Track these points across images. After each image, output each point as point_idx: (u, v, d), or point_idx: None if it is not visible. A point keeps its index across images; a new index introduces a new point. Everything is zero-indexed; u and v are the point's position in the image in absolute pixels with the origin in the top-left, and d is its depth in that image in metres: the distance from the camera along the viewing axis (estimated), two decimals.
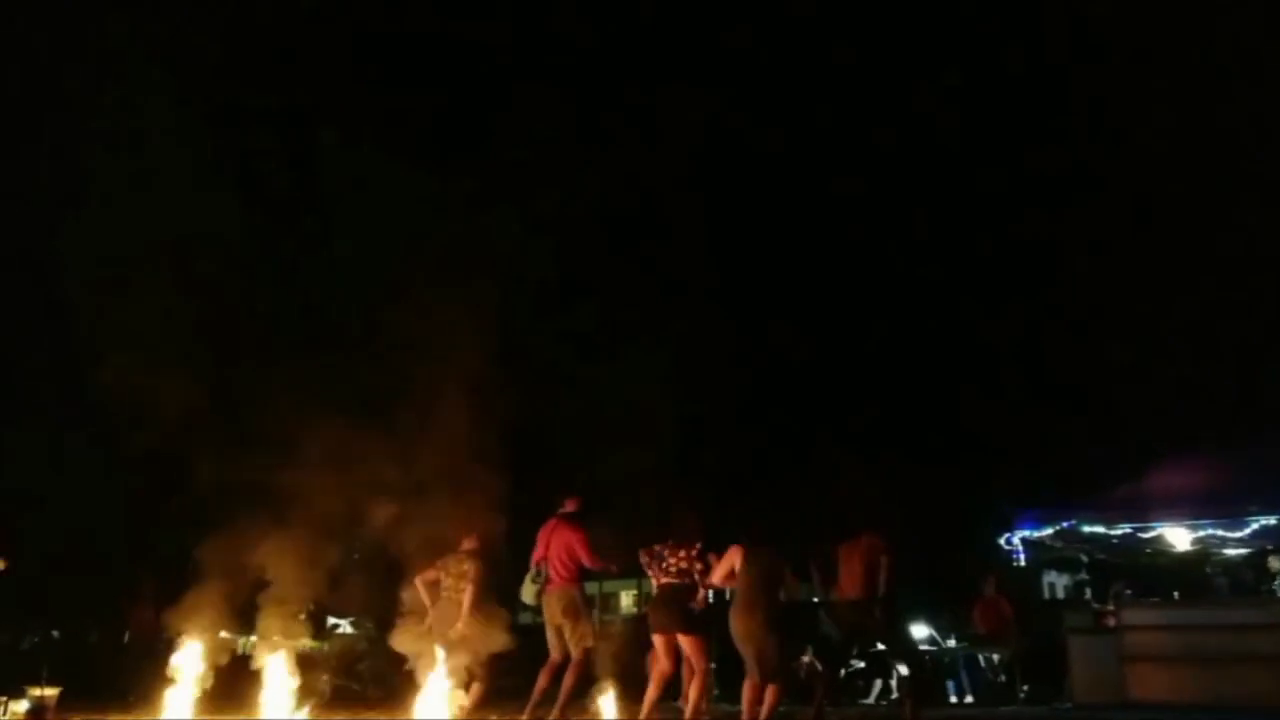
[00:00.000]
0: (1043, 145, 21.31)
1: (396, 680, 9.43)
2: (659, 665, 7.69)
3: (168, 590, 10.04)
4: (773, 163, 20.75)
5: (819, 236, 20.65)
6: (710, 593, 7.68)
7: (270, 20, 13.67)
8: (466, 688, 8.40)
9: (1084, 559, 13.17)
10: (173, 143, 11.32)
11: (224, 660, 9.22)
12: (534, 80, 16.68)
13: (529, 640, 8.84)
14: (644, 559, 7.71)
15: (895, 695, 11.15)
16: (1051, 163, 20.74)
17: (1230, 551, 11.74)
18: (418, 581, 8.57)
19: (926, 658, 11.46)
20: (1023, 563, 11.25)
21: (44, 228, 12.17)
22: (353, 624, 16.28)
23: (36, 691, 8.65)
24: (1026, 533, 11.00)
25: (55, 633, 16.34)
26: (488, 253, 10.83)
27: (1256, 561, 11.41)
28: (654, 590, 7.81)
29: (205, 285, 10.50)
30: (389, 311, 10.18)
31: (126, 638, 13.59)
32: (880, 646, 10.30)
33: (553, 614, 7.94)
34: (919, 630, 11.94)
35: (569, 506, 8.24)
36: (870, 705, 11.35)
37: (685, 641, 7.47)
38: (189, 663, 8.84)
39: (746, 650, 7.24)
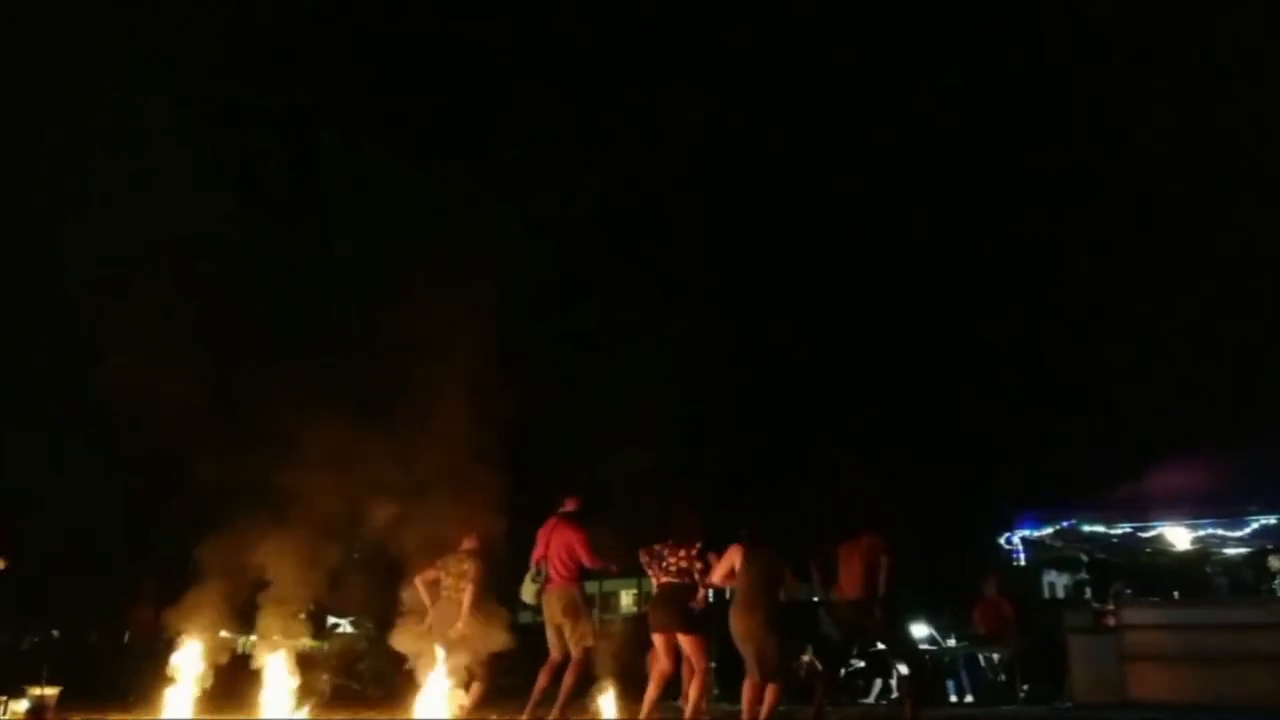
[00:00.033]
0: (1043, 145, 21.32)
1: (397, 680, 9.43)
2: (659, 664, 7.68)
3: (168, 590, 10.04)
4: (773, 163, 20.77)
5: (819, 236, 20.67)
6: (710, 592, 7.68)
7: (270, 20, 13.69)
8: (467, 687, 8.40)
9: (1084, 558, 13.17)
10: (173, 143, 11.33)
11: (224, 660, 9.22)
12: (534, 80, 16.71)
13: (529, 640, 8.83)
14: (644, 558, 7.71)
15: (895, 695, 11.15)
16: (1051, 163, 20.75)
17: (1230, 551, 11.74)
18: (418, 581, 8.57)
19: (926, 657, 11.46)
20: (1023, 562, 11.26)
21: (44, 228, 12.18)
22: (353, 624, 16.28)
23: (36, 691, 8.65)
24: (1026, 532, 11.00)
25: (55, 632, 16.33)
26: (488, 253, 10.85)
27: (1256, 561, 11.41)
28: (654, 590, 7.80)
29: (205, 285, 10.51)
30: (389, 311, 10.19)
31: (126, 638, 13.59)
32: (880, 646, 10.30)
33: (553, 613, 7.94)
34: (919, 630, 11.94)
35: (569, 506, 8.23)
36: (870, 705, 11.35)
37: (685, 641, 7.47)
38: (189, 662, 8.84)
39: (747, 650, 7.24)
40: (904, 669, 9.85)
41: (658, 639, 7.64)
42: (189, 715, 8.72)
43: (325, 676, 11.19)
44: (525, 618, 10.74)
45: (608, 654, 8.39)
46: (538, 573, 8.00)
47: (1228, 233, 18.15)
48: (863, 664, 11.65)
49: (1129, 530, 10.81)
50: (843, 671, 10.84)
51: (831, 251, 20.81)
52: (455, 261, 10.39)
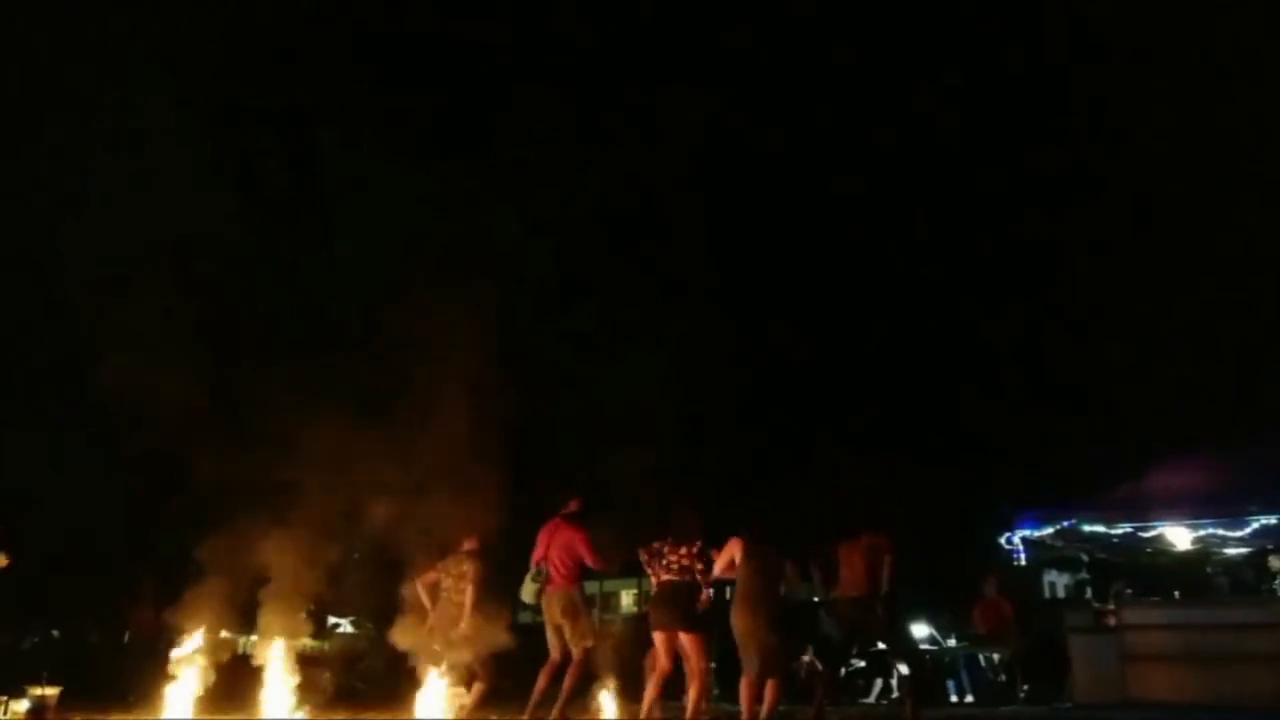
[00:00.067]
0: (1043, 145, 21.32)
1: (398, 679, 9.43)
2: (658, 663, 7.67)
3: (168, 590, 10.05)
4: (773, 163, 20.77)
5: (819, 237, 20.67)
6: (712, 592, 7.69)
7: (270, 20, 13.69)
8: (468, 686, 8.40)
9: (1084, 558, 13.16)
10: (173, 143, 11.33)
11: (224, 660, 9.22)
12: (534, 80, 16.71)
13: (529, 640, 8.83)
14: (644, 557, 7.69)
15: (895, 695, 11.15)
16: (1051, 163, 20.75)
17: (1231, 551, 11.74)
18: (418, 583, 8.58)
19: (927, 657, 11.46)
20: (1023, 562, 11.24)
21: (44, 228, 12.18)
22: (353, 624, 16.31)
23: (37, 691, 8.65)
24: (1027, 532, 10.99)
25: (56, 633, 16.34)
26: (488, 253, 10.84)
27: (1257, 561, 11.40)
28: (653, 588, 7.79)
29: (205, 285, 10.51)
30: (389, 311, 10.19)
31: (127, 638, 13.59)
32: (881, 646, 10.29)
33: (552, 614, 7.93)
34: (919, 630, 11.94)
35: (572, 507, 8.22)
36: (870, 705, 11.35)
37: (686, 639, 7.44)
38: (189, 662, 8.84)
39: (749, 646, 7.21)
40: (904, 669, 9.84)
41: (658, 637, 7.61)
42: (189, 715, 8.72)
43: (327, 675, 11.19)
44: (525, 618, 10.75)
45: (608, 654, 8.39)
46: (538, 573, 7.99)
47: (1228, 233, 18.16)
48: (863, 664, 11.65)
49: (1129, 530, 10.80)
50: (843, 671, 10.83)
51: (831, 251, 20.82)
52: (455, 261, 10.39)
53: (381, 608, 10.10)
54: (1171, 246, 18.08)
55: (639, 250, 16.67)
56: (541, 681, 7.89)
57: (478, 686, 8.37)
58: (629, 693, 8.37)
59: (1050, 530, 11.04)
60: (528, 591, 8.08)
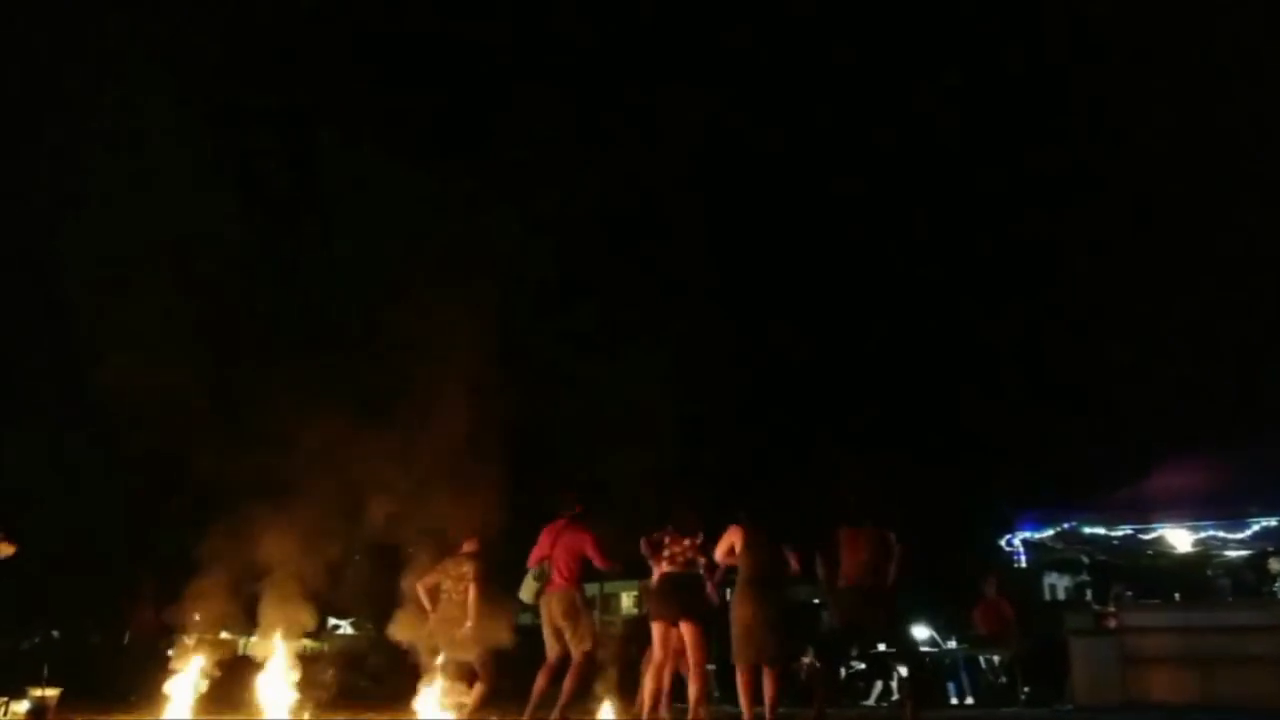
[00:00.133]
0: (1043, 145, 21.32)
1: (400, 678, 9.42)
2: (654, 655, 7.65)
3: (168, 590, 10.04)
4: (773, 163, 20.75)
5: (819, 236, 20.67)
6: (715, 590, 7.69)
7: (270, 20, 13.68)
8: (470, 684, 8.40)
9: (1085, 560, 13.18)
10: (173, 143, 11.32)
11: (225, 660, 9.21)
12: (534, 80, 16.69)
13: (529, 640, 8.82)
14: (645, 548, 7.65)
15: (895, 697, 11.14)
16: (1051, 163, 20.75)
17: (1231, 553, 11.74)
18: (419, 586, 8.57)
19: (927, 659, 11.45)
20: (1023, 564, 11.24)
21: (44, 228, 12.17)
22: (353, 625, 16.31)
23: (37, 692, 8.64)
24: (1027, 534, 10.99)
25: (56, 633, 16.34)
26: (488, 253, 10.83)
27: (1257, 563, 11.41)
28: (653, 580, 7.76)
29: (205, 285, 10.50)
30: (389, 311, 10.18)
31: (127, 638, 13.59)
32: (881, 647, 10.28)
33: (553, 615, 7.90)
34: (920, 631, 11.93)
35: (578, 509, 8.18)
36: (871, 707, 11.34)
37: (685, 629, 7.38)
38: (190, 662, 8.84)
39: (750, 634, 7.16)
40: (904, 670, 9.83)
41: (656, 628, 7.56)
42: (189, 716, 8.71)
43: (331, 671, 11.19)
44: (525, 619, 10.74)
45: (608, 656, 8.38)
46: (540, 572, 7.96)
47: (1228, 233, 18.17)
48: (863, 666, 11.64)
49: (1130, 532, 10.81)
50: (843, 673, 10.82)
51: (831, 251, 20.82)
52: (455, 261, 10.38)
53: (382, 608, 10.10)
54: (1171, 246, 18.10)
55: (639, 250, 16.67)
56: (540, 683, 7.88)
57: (478, 687, 8.36)
58: (629, 695, 8.35)
59: (1051, 532, 11.04)
60: (527, 590, 8.04)
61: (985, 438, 19.20)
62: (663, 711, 7.78)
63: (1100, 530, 10.86)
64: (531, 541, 8.18)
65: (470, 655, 8.33)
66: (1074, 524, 10.86)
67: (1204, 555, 11.90)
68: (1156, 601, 11.37)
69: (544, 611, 7.97)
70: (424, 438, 9.03)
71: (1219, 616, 10.10)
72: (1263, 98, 17.33)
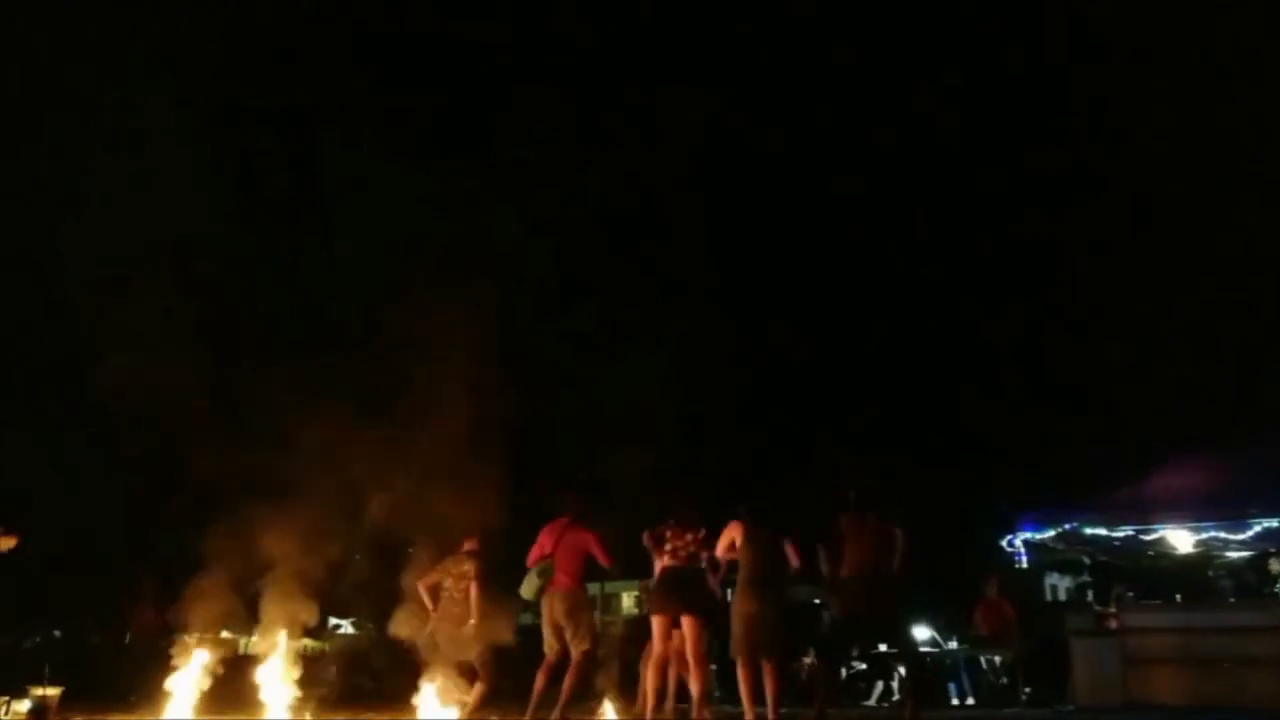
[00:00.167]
0: (1043, 145, 21.35)
1: (402, 677, 9.42)
2: (654, 648, 7.64)
3: (168, 590, 10.04)
4: (773, 163, 20.77)
5: (819, 236, 20.69)
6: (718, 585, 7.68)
7: (270, 20, 13.68)
8: (471, 682, 8.39)
9: (1086, 561, 13.16)
10: (173, 143, 11.31)
11: (226, 659, 9.21)
12: (534, 80, 16.71)
13: (529, 640, 8.82)
14: (647, 540, 7.65)
15: (896, 697, 11.14)
16: (1051, 163, 20.78)
17: (1232, 554, 11.73)
18: (420, 585, 8.56)
19: (928, 659, 11.44)
20: (1024, 564, 11.22)
21: (44, 228, 12.17)
22: (354, 625, 16.30)
23: (38, 691, 8.65)
24: (1028, 534, 10.97)
25: (56, 633, 16.33)
26: (488, 253, 10.83)
27: (1258, 564, 11.40)
28: (655, 574, 7.73)
29: (205, 285, 10.50)
30: (389, 311, 10.18)
31: (127, 638, 13.59)
32: (881, 648, 10.26)
33: (554, 614, 7.89)
34: (920, 632, 11.92)
35: (582, 509, 8.18)
36: (871, 707, 11.33)
37: (685, 623, 7.36)
38: (190, 662, 8.83)
39: (751, 628, 7.15)
40: (905, 670, 9.82)
41: (656, 621, 7.55)
42: (190, 716, 8.71)
43: (333, 669, 11.16)
44: (525, 619, 10.73)
45: (609, 656, 8.38)
46: (544, 569, 7.93)
47: (1228, 233, 18.18)
48: (864, 666, 11.63)
49: (1131, 533, 10.80)
50: (844, 673, 10.80)
51: (831, 251, 20.84)
52: (455, 261, 10.37)
53: (382, 608, 10.10)
54: (1171, 246, 18.12)
55: (639, 250, 16.70)
56: (540, 682, 7.87)
57: (479, 687, 8.36)
58: (629, 694, 8.35)
59: (1051, 533, 11.02)
60: (529, 587, 8.00)
61: (985, 438, 19.22)
62: (666, 709, 7.77)
63: (1101, 531, 10.85)
64: (531, 541, 8.18)
65: (471, 654, 8.32)
66: (1075, 524, 10.84)
67: (1205, 556, 11.89)
68: (1158, 602, 11.35)
69: (546, 609, 7.96)
70: (424, 438, 9.02)
71: (1220, 617, 10.08)
72: (1263, 98, 17.35)
